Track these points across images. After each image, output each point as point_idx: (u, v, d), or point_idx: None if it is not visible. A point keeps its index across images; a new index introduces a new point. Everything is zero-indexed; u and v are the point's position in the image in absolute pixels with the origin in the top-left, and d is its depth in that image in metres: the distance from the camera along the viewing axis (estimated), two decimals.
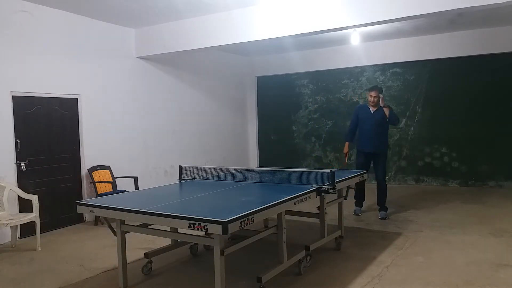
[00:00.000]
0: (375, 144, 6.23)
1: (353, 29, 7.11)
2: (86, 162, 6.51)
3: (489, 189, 8.21)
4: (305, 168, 9.38)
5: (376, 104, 6.22)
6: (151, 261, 4.18)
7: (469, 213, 6.32)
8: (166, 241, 4.62)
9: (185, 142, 8.56)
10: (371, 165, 6.30)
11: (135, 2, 5.87)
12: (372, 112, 6.26)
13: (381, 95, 6.24)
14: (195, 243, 4.62)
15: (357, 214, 6.42)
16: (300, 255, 4.00)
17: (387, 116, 6.18)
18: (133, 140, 7.37)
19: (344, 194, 4.98)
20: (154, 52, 7.25)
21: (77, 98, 6.43)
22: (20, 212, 5.52)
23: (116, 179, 6.66)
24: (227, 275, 3.22)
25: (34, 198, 5.24)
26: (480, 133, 8.42)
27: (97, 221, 6.26)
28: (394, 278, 3.85)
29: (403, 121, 9.08)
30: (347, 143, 6.61)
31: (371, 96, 6.21)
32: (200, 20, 6.57)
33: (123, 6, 6.01)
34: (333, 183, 4.09)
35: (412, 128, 9.06)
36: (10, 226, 5.15)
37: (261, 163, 10.73)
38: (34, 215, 5.17)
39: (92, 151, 6.58)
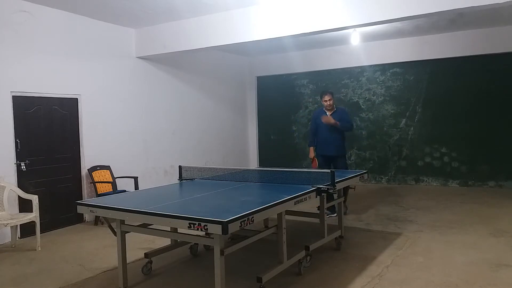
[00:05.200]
0: (333, 147, 6.32)
1: (353, 29, 7.12)
2: (86, 162, 6.51)
3: (489, 189, 8.20)
4: (305, 168, 9.37)
5: (331, 107, 6.31)
6: (151, 261, 4.18)
7: (469, 213, 6.32)
8: (166, 241, 4.62)
9: (185, 142, 8.56)
10: (331, 167, 6.31)
11: (135, 2, 5.88)
12: (328, 116, 6.34)
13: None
14: (195, 243, 4.61)
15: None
16: (300, 255, 4.00)
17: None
18: (133, 140, 7.36)
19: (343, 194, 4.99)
20: (154, 52, 7.25)
21: (77, 98, 6.43)
22: (20, 212, 5.53)
23: (116, 179, 6.66)
24: (227, 275, 3.22)
25: (34, 198, 5.24)
26: (480, 133, 8.41)
27: (97, 221, 6.27)
28: (394, 278, 3.85)
29: (403, 121, 9.09)
30: (311, 149, 6.66)
31: (325, 100, 6.30)
32: (200, 20, 6.57)
33: (123, 6, 6.01)
34: (333, 183, 4.10)
35: (412, 128, 9.05)
36: (10, 226, 5.14)
37: (261, 163, 10.73)
38: (34, 215, 5.17)
39: (92, 151, 6.59)
